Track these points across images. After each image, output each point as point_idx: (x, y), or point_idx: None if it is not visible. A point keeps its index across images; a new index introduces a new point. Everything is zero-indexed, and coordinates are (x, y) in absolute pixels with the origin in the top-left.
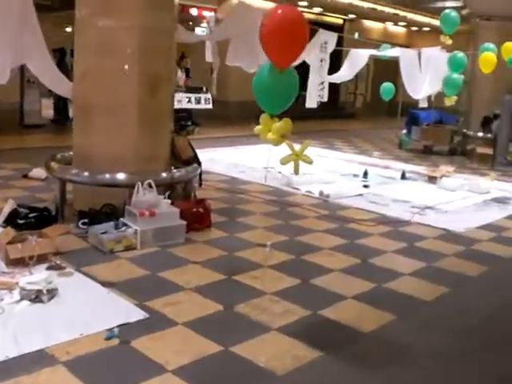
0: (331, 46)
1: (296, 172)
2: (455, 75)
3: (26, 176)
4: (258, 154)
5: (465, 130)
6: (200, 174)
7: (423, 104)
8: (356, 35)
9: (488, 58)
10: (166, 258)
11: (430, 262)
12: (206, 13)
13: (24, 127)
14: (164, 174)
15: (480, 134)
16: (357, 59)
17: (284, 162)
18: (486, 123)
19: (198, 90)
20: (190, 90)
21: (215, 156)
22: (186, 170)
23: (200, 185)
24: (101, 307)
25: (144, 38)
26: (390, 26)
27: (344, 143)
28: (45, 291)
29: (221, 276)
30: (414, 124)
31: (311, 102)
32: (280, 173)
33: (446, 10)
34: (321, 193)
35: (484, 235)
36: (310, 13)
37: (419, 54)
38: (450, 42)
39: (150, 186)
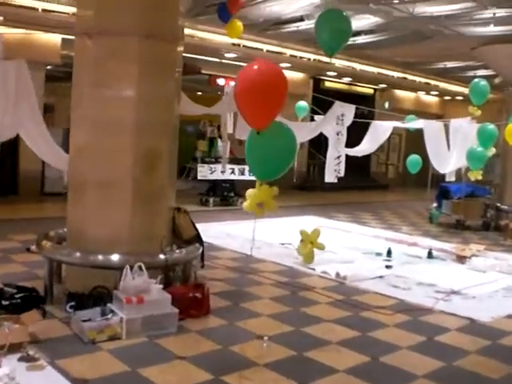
0: (349, 119)
1: (309, 261)
2: (479, 148)
3: (28, 249)
4: (280, 228)
5: (498, 204)
6: (202, 254)
7: (451, 178)
8: (386, 105)
9: None
10: (151, 352)
11: (448, 360)
12: (232, 83)
13: (44, 195)
14: (161, 256)
15: None
16: (380, 131)
17: (303, 252)
18: None
19: (242, 160)
20: (233, 160)
21: (233, 230)
22: (186, 250)
23: (202, 266)
24: None
25: (140, 110)
26: (422, 95)
27: (371, 216)
28: None
29: (207, 376)
30: (444, 197)
31: (330, 177)
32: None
33: (475, 80)
34: (337, 274)
35: None
36: (339, 83)
37: (446, 126)
38: (478, 113)
39: (140, 268)
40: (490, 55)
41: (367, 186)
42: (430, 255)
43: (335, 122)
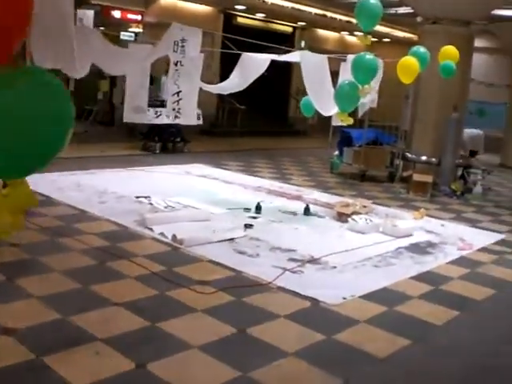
0: (194, 46)
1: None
2: (349, 84)
3: None
4: (151, 178)
5: (406, 153)
6: None
7: (337, 122)
8: (302, 44)
9: (407, 63)
10: None
11: (248, 367)
12: (131, 16)
13: None
14: None
15: (423, 158)
16: (251, 65)
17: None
18: None
19: None
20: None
21: (88, 181)
22: None
23: None
24: None
25: None
26: (346, 35)
27: (267, 165)
28: None
29: None
30: (346, 145)
31: (168, 116)
32: (151, 204)
33: None
34: (174, 237)
35: (366, 311)
36: (253, 19)
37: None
38: (368, 42)
39: None
40: None
41: (283, 131)
42: (306, 212)
43: (172, 48)
